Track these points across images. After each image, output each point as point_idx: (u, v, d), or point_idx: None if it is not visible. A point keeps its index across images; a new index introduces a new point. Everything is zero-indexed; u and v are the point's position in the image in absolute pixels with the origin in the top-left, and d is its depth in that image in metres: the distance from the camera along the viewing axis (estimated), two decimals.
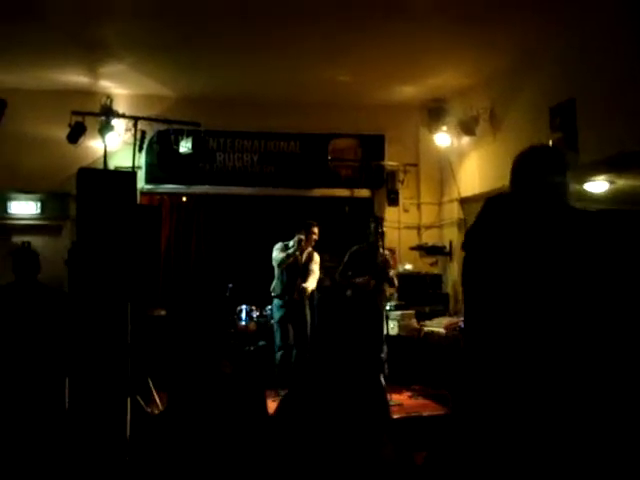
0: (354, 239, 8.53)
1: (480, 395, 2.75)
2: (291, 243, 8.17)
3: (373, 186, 10.21)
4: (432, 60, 8.16)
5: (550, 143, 7.29)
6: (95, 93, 8.81)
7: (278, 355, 8.07)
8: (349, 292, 8.09)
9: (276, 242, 8.32)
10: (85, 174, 5.66)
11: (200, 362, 6.71)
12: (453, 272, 9.54)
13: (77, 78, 8.66)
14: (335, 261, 9.02)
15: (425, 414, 6.96)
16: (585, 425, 2.49)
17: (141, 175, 9.06)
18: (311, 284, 8.24)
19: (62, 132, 8.15)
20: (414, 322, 8.56)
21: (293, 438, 2.62)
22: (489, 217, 2.74)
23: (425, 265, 9.92)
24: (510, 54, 7.78)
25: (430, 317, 8.54)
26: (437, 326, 8.06)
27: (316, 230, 8.26)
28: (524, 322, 2.54)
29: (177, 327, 8.67)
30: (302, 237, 8.11)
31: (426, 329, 8.28)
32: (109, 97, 8.39)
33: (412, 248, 9.90)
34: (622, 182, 8.97)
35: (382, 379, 7.39)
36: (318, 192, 10.15)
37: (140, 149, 8.09)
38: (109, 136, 8.23)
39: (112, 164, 8.45)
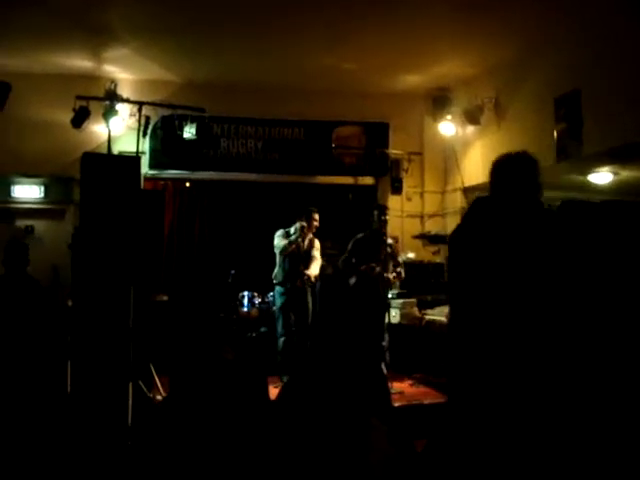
0: (357, 227, 8.52)
1: (466, 381, 3.09)
2: (292, 230, 8.17)
3: (377, 174, 10.21)
4: (437, 49, 8.14)
5: (555, 133, 7.29)
6: (99, 78, 8.81)
7: (280, 342, 8.08)
8: (353, 280, 8.09)
9: (278, 229, 8.32)
10: (89, 159, 5.66)
11: (202, 348, 6.73)
12: None
13: (81, 62, 8.63)
14: (338, 248, 9.02)
15: (426, 402, 6.97)
16: (561, 412, 2.84)
17: (145, 160, 9.02)
18: (314, 270, 8.24)
19: (66, 116, 8.16)
20: (416, 310, 8.56)
21: (294, 425, 2.64)
22: (472, 217, 3.19)
23: (428, 254, 9.91)
24: (515, 44, 7.76)
25: (432, 306, 8.53)
26: (439, 315, 8.05)
27: (317, 216, 8.25)
28: (503, 307, 2.94)
29: (179, 312, 8.69)
30: (304, 224, 8.10)
31: (428, 317, 8.28)
32: (113, 82, 8.39)
33: (415, 237, 9.90)
34: (626, 173, 8.97)
35: (383, 367, 7.42)
36: (322, 179, 10.15)
37: (144, 134, 8.10)
38: (113, 121, 8.24)
39: (116, 149, 8.47)
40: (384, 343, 7.84)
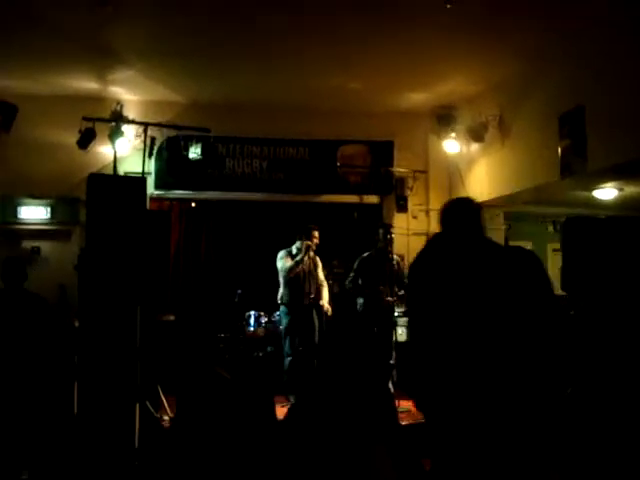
0: (363, 245, 8.52)
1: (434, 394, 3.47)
2: (294, 250, 8.17)
3: (382, 192, 10.21)
4: (441, 67, 8.17)
5: (559, 150, 7.30)
6: (105, 99, 8.86)
7: (287, 361, 8.08)
8: (360, 301, 8.10)
9: (283, 248, 8.32)
10: (95, 179, 5.69)
11: (202, 367, 6.74)
12: None
13: (87, 84, 8.69)
14: (343, 267, 9.02)
15: None
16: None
17: (151, 181, 9.07)
18: (326, 298, 8.29)
19: (72, 138, 8.20)
20: None
21: (301, 444, 2.63)
22: (427, 249, 3.81)
23: None
24: (518, 62, 7.78)
25: None
26: None
27: (317, 234, 8.25)
28: (455, 323, 3.41)
29: (186, 332, 8.69)
30: (309, 243, 8.12)
31: None
32: (119, 103, 8.44)
33: None
34: (631, 189, 8.98)
35: (390, 386, 7.40)
36: (327, 198, 10.16)
37: (150, 155, 8.12)
38: (119, 142, 8.27)
39: (122, 170, 8.49)
40: (391, 361, 7.83)
